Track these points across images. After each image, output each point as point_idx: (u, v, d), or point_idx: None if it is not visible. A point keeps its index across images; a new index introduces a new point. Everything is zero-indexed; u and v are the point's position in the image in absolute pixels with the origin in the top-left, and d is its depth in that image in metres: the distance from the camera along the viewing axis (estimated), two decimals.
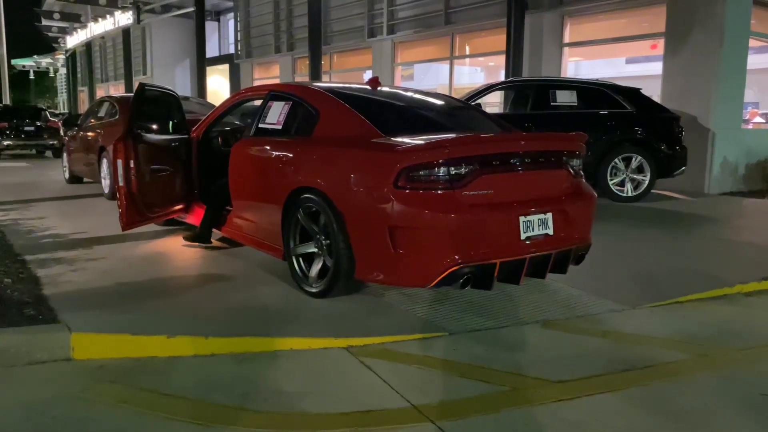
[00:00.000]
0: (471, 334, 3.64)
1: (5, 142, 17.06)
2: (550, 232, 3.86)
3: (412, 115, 4.67)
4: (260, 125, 4.82)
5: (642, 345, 3.55)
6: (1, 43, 27.85)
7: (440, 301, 4.13)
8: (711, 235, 6.63)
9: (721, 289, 4.55)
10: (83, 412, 2.76)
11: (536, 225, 3.79)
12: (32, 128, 17.38)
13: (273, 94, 4.86)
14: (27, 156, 18.30)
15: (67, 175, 10.86)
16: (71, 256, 5.11)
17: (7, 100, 29.24)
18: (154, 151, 5.17)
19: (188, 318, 3.75)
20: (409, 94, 5.16)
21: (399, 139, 3.78)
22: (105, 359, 3.29)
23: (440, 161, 3.54)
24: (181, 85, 27.88)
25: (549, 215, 3.86)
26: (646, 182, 8.67)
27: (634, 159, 8.66)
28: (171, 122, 5.48)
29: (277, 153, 4.46)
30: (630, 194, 8.72)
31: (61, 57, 44.74)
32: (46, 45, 45.55)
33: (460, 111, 5.14)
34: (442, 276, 3.54)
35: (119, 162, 4.80)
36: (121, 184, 4.85)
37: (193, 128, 5.67)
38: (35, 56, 54.69)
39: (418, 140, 3.70)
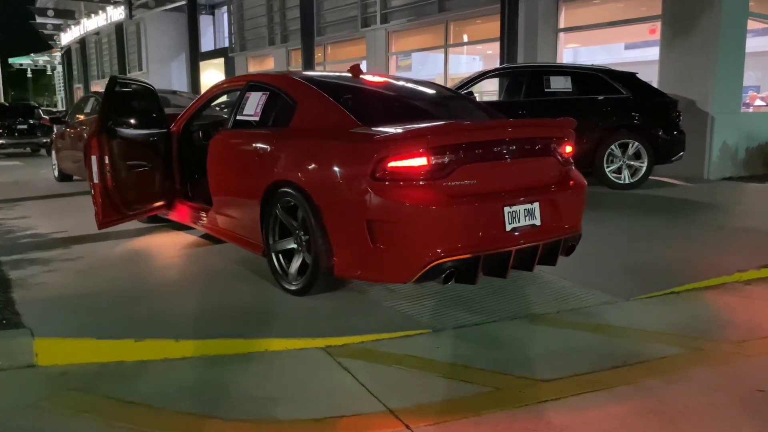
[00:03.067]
0: (455, 331, 3.48)
1: None
2: (538, 222, 3.69)
3: (394, 103, 4.50)
4: (238, 117, 4.66)
5: (635, 339, 3.39)
6: None
7: (425, 297, 3.97)
8: (710, 222, 6.45)
9: (719, 277, 4.38)
10: (41, 422, 2.61)
11: (522, 215, 3.63)
12: (25, 126, 17.22)
13: (251, 84, 4.70)
14: (21, 155, 18.14)
15: (56, 173, 10.71)
16: (47, 256, 4.96)
17: (1, 98, 29.03)
18: (131, 147, 5.01)
19: (161, 319, 3.60)
20: (393, 81, 4.98)
21: (377, 129, 3.61)
22: (70, 365, 3.13)
23: (420, 151, 3.38)
24: (177, 80, 27.65)
25: (536, 205, 3.69)
26: (644, 169, 8.49)
27: (631, 145, 8.47)
28: (148, 116, 5.31)
29: (254, 146, 4.30)
30: (627, 181, 8.54)
31: (57, 54, 44.51)
32: (43, 43, 45.36)
33: (448, 99, 4.96)
34: (424, 271, 3.39)
35: (93, 158, 4.64)
36: (95, 181, 4.69)
37: (173, 122, 5.50)
38: (32, 54, 54.47)
39: (397, 129, 3.53)
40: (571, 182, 3.95)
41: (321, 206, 3.67)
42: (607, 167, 8.50)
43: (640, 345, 3.31)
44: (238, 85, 4.94)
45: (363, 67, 15.68)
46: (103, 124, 4.67)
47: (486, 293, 4.04)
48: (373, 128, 3.65)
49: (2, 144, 17.04)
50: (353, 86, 4.48)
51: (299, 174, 3.82)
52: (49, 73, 60.13)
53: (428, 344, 3.32)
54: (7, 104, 20.72)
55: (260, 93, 4.53)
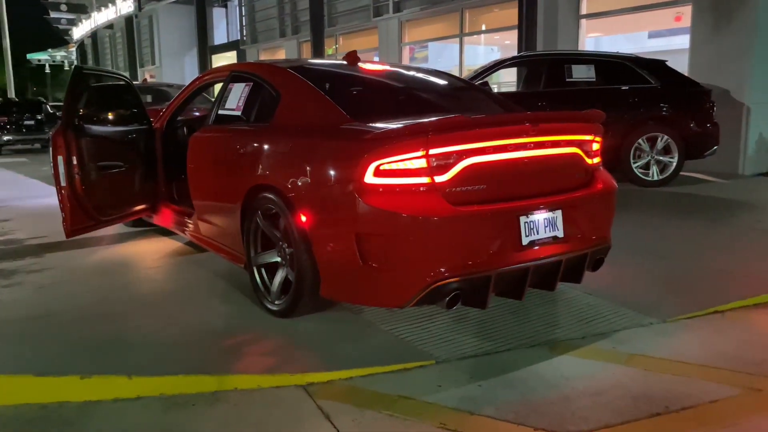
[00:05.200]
0: (462, 363, 2.94)
1: (5, 137, 16.63)
2: (560, 233, 3.13)
3: (394, 96, 3.96)
4: (219, 111, 4.15)
5: (676, 375, 2.82)
6: (4, 35, 27.36)
7: (429, 318, 3.44)
8: (751, 225, 5.82)
9: None
10: None
11: (542, 226, 3.07)
12: (32, 122, 16.92)
13: (234, 74, 4.18)
14: (30, 151, 17.85)
15: (53, 171, 10.30)
16: (14, 266, 4.50)
17: (12, 93, 28.91)
18: (104, 145, 4.53)
19: (119, 347, 3.11)
20: (395, 70, 4.43)
21: (370, 125, 3.07)
22: (3, 407, 2.64)
23: (419, 150, 2.83)
24: (189, 73, 27.27)
25: (558, 213, 3.13)
26: (674, 164, 7.85)
27: (659, 139, 7.83)
28: (125, 111, 4.81)
29: (233, 144, 3.78)
30: (656, 178, 7.90)
31: (74, 50, 44.42)
32: (59, 38, 45.30)
33: (457, 91, 4.40)
34: (423, 293, 2.85)
35: (59, 159, 4.17)
36: (63, 184, 4.21)
37: (156, 118, 5.01)
38: (49, 50, 54.49)
39: (392, 125, 2.99)
40: (600, 185, 3.38)
41: (305, 215, 3.14)
42: (634, 163, 7.88)
43: (684, 383, 2.75)
44: (221, 76, 4.43)
45: (375, 58, 15.13)
46: (68, 120, 4.19)
47: (499, 313, 3.50)
48: (366, 124, 3.11)
49: (9, 140, 16.75)
50: (347, 76, 3.94)
51: (280, 177, 3.30)
52: (66, 68, 60.04)
53: (429, 380, 2.79)
54: (14, 100, 20.45)
55: (243, 84, 4.01)
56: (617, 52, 8.59)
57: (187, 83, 5.17)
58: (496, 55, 15.14)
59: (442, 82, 4.41)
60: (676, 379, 2.78)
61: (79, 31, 32.78)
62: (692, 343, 3.17)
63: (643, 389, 2.69)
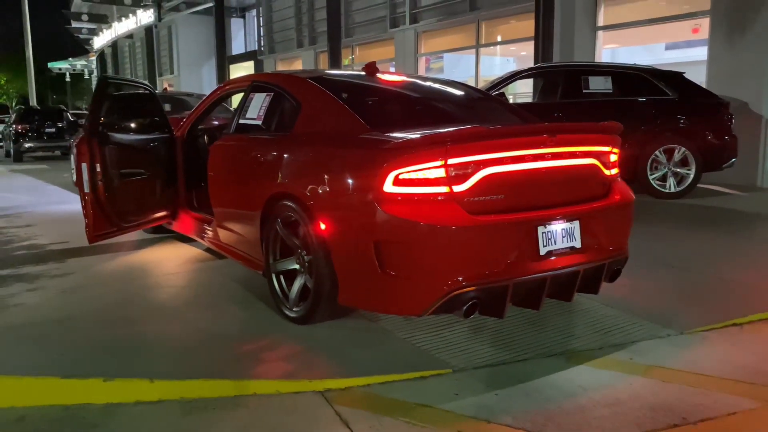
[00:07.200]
0: (479, 372, 2.96)
1: (27, 145, 16.92)
2: (577, 244, 3.15)
3: (412, 106, 4.00)
4: (240, 121, 4.22)
5: (694, 387, 2.82)
6: (27, 45, 27.90)
7: (446, 327, 3.46)
8: None
9: None
10: None
11: (559, 236, 3.09)
12: (53, 130, 17.20)
13: (255, 84, 4.25)
14: (51, 158, 18.12)
15: (74, 178, 10.47)
16: (37, 271, 4.59)
17: (33, 101, 29.41)
18: (127, 153, 4.61)
19: (140, 351, 3.16)
20: (413, 81, 4.47)
21: (389, 135, 3.12)
22: (28, 408, 2.70)
23: (438, 160, 2.87)
24: (207, 83, 27.60)
25: (575, 224, 3.15)
26: (691, 176, 7.82)
27: (677, 151, 7.81)
28: (147, 119, 4.90)
29: (254, 153, 3.84)
30: (673, 190, 7.87)
31: (94, 59, 45.09)
32: (80, 47, 46.00)
33: (475, 101, 4.44)
34: (441, 302, 2.87)
35: (84, 166, 4.25)
36: (86, 190, 4.29)
37: (177, 127, 5.10)
38: (70, 59, 55.33)
39: (411, 135, 3.03)
40: (617, 197, 3.39)
41: (324, 223, 3.19)
42: (651, 174, 7.86)
43: (702, 395, 2.74)
44: (242, 86, 4.50)
45: (391, 69, 15.23)
46: (93, 128, 4.28)
47: (516, 323, 3.51)
48: (385, 134, 3.15)
49: (31, 147, 17.04)
50: (366, 86, 4.00)
51: (300, 185, 3.35)
52: (86, 77, 60.91)
53: (446, 389, 2.81)
54: (35, 108, 20.79)
55: (264, 94, 4.07)
56: (634, 64, 8.58)
57: (205, 92, 5.26)
58: (512, 66, 15.17)
59: (459, 92, 4.45)
60: (694, 391, 2.77)
61: (99, 41, 33.31)
62: (710, 356, 3.16)
63: (661, 400, 2.69)
